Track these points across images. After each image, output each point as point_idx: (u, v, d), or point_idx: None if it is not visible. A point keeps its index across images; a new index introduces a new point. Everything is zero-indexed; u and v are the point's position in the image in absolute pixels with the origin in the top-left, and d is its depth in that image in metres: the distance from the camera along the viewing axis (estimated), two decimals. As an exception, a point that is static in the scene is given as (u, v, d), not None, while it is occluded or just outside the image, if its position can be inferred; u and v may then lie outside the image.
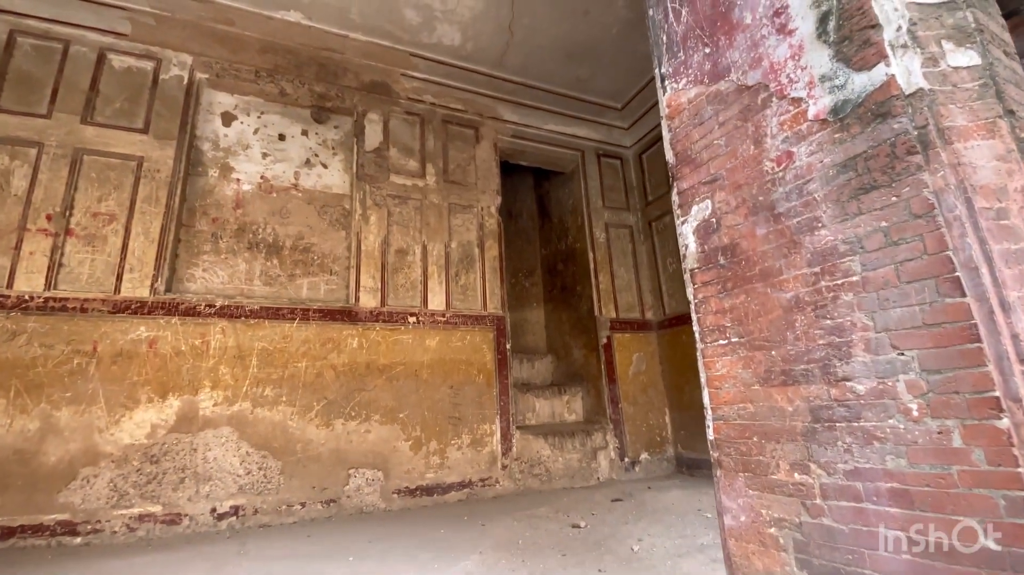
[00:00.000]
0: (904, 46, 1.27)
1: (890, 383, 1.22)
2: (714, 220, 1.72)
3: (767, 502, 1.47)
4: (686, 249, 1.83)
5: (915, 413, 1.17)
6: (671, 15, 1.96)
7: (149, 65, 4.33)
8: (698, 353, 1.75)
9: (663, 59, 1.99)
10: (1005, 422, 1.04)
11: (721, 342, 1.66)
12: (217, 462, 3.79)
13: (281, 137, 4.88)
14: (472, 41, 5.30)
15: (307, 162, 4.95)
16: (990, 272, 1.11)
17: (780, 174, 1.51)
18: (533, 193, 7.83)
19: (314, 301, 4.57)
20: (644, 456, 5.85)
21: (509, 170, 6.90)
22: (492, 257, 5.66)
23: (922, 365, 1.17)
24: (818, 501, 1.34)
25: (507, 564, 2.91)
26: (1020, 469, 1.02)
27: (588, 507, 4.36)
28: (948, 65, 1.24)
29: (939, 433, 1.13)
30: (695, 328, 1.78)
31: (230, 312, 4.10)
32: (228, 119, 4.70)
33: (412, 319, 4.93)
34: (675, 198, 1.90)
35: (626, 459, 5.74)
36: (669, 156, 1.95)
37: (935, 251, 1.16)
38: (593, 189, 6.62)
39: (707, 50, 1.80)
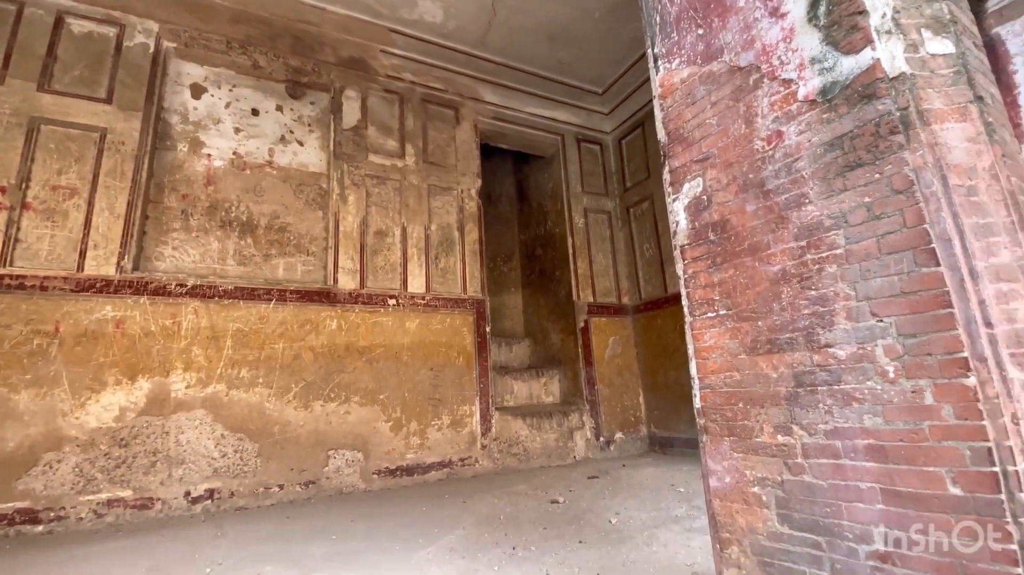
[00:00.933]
0: (888, 32, 1.35)
1: (869, 348, 1.31)
2: (705, 197, 1.78)
3: (751, 463, 1.56)
4: (677, 226, 1.89)
5: (891, 375, 1.27)
6: (664, -4, 2.00)
7: (111, 31, 4.08)
8: (686, 326, 1.82)
9: (656, 39, 2.03)
10: (972, 380, 1.15)
11: (709, 315, 1.73)
12: (191, 445, 3.70)
13: (254, 112, 4.70)
14: (454, 19, 5.21)
15: (282, 139, 4.80)
16: (961, 244, 1.21)
17: (770, 152, 1.58)
18: (512, 177, 7.82)
19: (291, 282, 4.47)
20: (619, 435, 6.02)
21: (488, 153, 6.86)
22: (472, 240, 5.65)
23: (899, 330, 1.27)
24: (799, 460, 1.44)
25: (490, 538, 2.97)
26: (984, 422, 1.12)
27: (565, 484, 4.48)
28: (927, 52, 1.33)
29: (912, 392, 1.23)
30: (684, 302, 1.85)
31: (203, 292, 3.97)
32: (198, 91, 4.49)
33: (392, 301, 4.89)
34: (666, 176, 1.95)
35: (601, 438, 5.90)
36: (661, 135, 2.00)
37: (913, 224, 1.25)
38: (572, 174, 6.66)
39: (700, 31, 1.84)
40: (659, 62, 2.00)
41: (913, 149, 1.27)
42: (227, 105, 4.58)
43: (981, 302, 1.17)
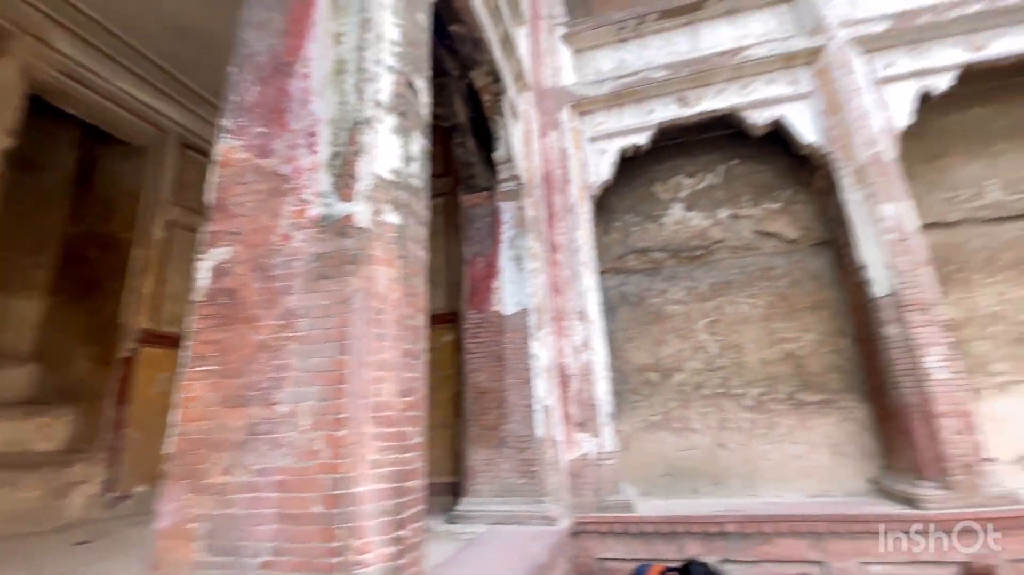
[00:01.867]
0: (366, 198, 2.06)
1: (299, 407, 1.83)
2: (228, 265, 2.05)
3: (196, 502, 1.79)
4: (198, 283, 2.07)
5: (306, 427, 1.81)
6: (245, 84, 2.29)
7: None
8: (180, 376, 1.96)
9: (229, 114, 2.26)
10: (343, 432, 1.79)
11: (202, 368, 1.95)
12: None
13: None
14: (26, -69, 3.95)
15: None
16: (365, 344, 1.91)
17: (281, 247, 2.03)
18: (78, 151, 6.08)
19: None
20: (141, 488, 5.18)
21: (47, 109, 5.22)
22: (-37, 214, 4.00)
23: (318, 396, 1.84)
24: (232, 496, 1.78)
25: None
26: (338, 461, 1.76)
27: (36, 558, 3.53)
28: (384, 219, 2.10)
29: (312, 440, 1.79)
30: (186, 354, 2.00)
31: None
32: None
33: None
34: (205, 235, 2.13)
35: (115, 493, 4.91)
36: (210, 198, 2.19)
37: (341, 326, 1.89)
38: (166, 178, 5.82)
39: (263, 129, 2.21)
40: (227, 135, 2.24)
41: (357, 276, 1.95)
42: None
43: (361, 381, 1.87)
